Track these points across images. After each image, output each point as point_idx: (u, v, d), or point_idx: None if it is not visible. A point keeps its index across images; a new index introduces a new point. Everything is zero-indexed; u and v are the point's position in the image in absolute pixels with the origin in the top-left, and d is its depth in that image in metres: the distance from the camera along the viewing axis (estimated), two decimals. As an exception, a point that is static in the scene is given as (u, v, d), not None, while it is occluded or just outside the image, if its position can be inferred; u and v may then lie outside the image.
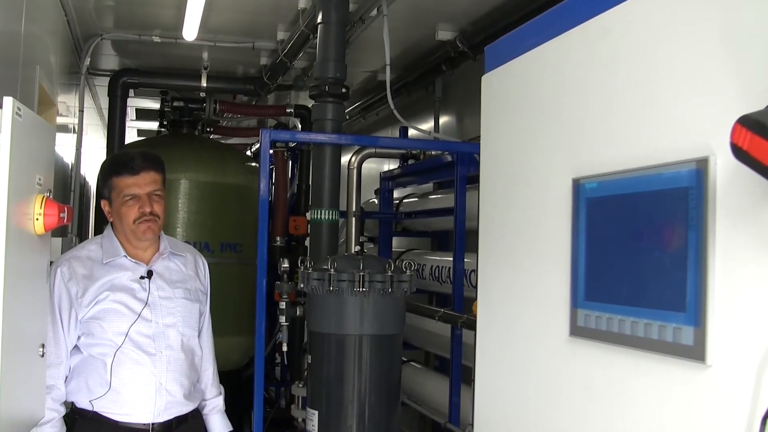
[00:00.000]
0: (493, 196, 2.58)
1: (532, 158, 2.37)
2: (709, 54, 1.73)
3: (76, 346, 3.34)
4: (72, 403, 3.38)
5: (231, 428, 3.73)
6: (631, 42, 2.00)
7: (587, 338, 2.02)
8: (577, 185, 2.05)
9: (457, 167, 5.55)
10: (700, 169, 1.68)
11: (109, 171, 3.43)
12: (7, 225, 2.40)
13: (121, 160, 3.44)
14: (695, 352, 1.66)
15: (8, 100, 2.47)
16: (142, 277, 3.39)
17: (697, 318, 1.64)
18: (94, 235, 4.64)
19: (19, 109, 2.55)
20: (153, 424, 3.34)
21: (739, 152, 1.45)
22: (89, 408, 3.30)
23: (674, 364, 1.73)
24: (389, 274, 4.03)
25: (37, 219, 2.63)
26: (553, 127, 2.26)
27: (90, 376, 3.31)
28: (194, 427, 3.57)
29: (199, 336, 3.59)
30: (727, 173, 1.64)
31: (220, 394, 3.72)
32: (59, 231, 6.35)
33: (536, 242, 2.33)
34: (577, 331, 2.06)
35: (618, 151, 1.95)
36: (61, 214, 2.72)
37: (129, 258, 3.40)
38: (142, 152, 3.46)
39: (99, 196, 3.60)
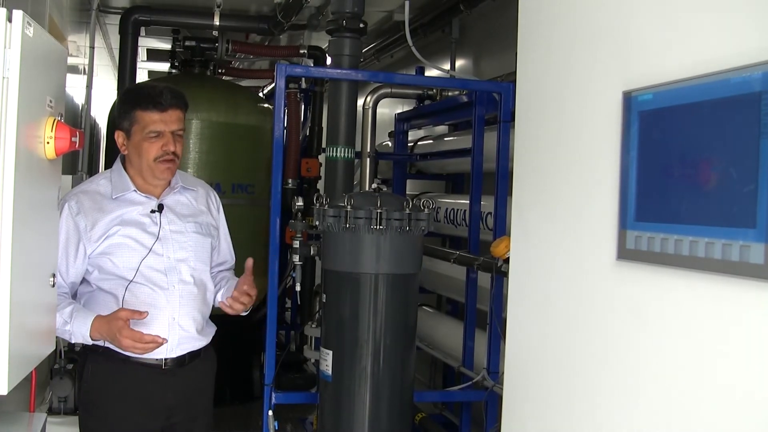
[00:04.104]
0: (530, 116, 2.44)
1: (576, 72, 2.22)
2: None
3: (87, 282, 3.27)
4: None
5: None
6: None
7: (637, 261, 1.90)
8: (629, 98, 1.91)
9: (475, 107, 5.39)
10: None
11: (133, 102, 3.28)
12: (17, 147, 2.28)
13: (148, 92, 3.28)
14: (766, 271, 1.52)
15: (18, 14, 2.35)
16: (152, 211, 3.30)
17: (769, 234, 1.51)
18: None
19: (30, 25, 2.43)
20: (166, 359, 3.28)
21: None
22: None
23: (739, 285, 1.60)
24: (407, 212, 3.90)
25: (48, 142, 2.49)
26: (600, 36, 2.12)
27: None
28: (207, 361, 3.50)
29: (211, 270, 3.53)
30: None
31: None
32: (69, 168, 6.25)
33: (577, 163, 2.20)
34: (626, 253, 1.94)
35: (675, 59, 1.80)
36: (73, 138, 2.58)
37: (139, 192, 3.31)
38: (170, 87, 3.31)
39: (113, 126, 3.47)
